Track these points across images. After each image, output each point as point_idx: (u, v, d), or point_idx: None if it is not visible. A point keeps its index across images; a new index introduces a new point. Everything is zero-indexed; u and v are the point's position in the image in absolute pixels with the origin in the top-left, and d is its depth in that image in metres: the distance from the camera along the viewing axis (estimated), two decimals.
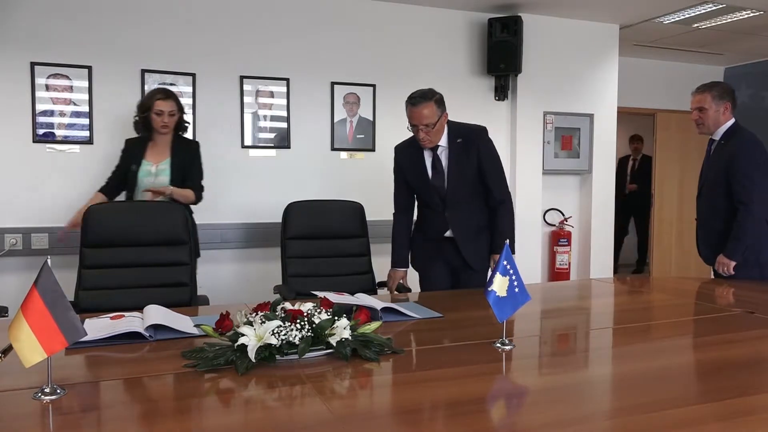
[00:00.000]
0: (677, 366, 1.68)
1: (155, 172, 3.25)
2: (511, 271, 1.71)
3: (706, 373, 1.64)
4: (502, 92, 4.83)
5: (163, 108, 3.20)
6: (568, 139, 5.11)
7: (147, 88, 3.91)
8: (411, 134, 2.84)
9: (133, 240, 2.76)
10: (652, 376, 1.56)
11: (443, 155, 2.86)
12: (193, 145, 3.42)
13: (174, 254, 2.80)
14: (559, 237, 5.15)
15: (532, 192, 4.96)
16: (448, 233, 2.91)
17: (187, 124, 3.42)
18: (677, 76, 6.58)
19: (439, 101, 2.77)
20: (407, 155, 2.94)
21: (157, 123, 3.21)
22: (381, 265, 3.22)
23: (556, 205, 5.20)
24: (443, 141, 2.84)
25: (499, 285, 1.69)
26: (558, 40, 4.95)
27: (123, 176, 3.27)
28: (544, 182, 5.02)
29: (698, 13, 4.80)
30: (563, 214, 5.22)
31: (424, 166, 2.88)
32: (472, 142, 2.85)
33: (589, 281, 4.36)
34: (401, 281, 3.04)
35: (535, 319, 2.29)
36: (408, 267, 3.05)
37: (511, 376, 1.63)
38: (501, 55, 4.66)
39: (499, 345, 1.75)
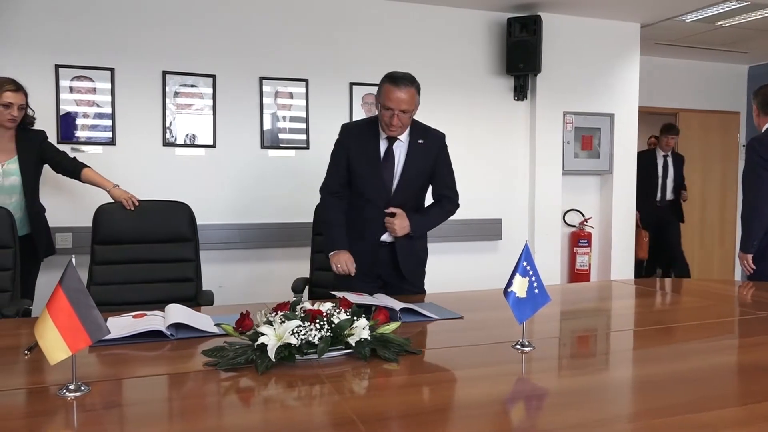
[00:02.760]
0: (700, 369, 1.65)
1: (2, 172, 3.02)
2: (531, 272, 1.70)
3: (729, 376, 1.61)
4: (521, 92, 4.80)
5: (12, 100, 2.95)
6: (588, 139, 5.06)
7: (168, 90, 3.96)
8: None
9: (141, 237, 2.89)
10: (674, 379, 1.54)
11: (399, 150, 2.62)
12: (40, 134, 3.17)
13: (180, 251, 2.93)
14: (579, 238, 5.11)
15: (551, 193, 4.92)
16: (385, 236, 2.64)
17: (34, 119, 3.15)
18: (700, 75, 6.49)
19: (419, 90, 2.53)
20: (358, 137, 2.65)
21: (4, 116, 2.95)
22: None
23: (576, 205, 5.16)
24: (403, 136, 2.61)
25: (519, 286, 1.68)
26: (578, 40, 4.91)
27: None
28: (563, 183, 4.98)
29: (722, 10, 4.73)
30: (583, 215, 5.17)
31: (378, 154, 2.61)
32: (432, 147, 2.67)
33: (610, 283, 4.32)
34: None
35: (554, 320, 2.27)
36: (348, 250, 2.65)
37: (530, 377, 1.61)
38: (520, 55, 4.63)
39: (518, 346, 1.74)
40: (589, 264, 5.13)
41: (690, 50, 6.00)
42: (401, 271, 2.66)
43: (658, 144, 5.94)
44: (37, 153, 3.13)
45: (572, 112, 4.96)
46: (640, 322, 2.36)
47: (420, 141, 2.65)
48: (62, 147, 3.72)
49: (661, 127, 5.87)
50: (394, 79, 2.49)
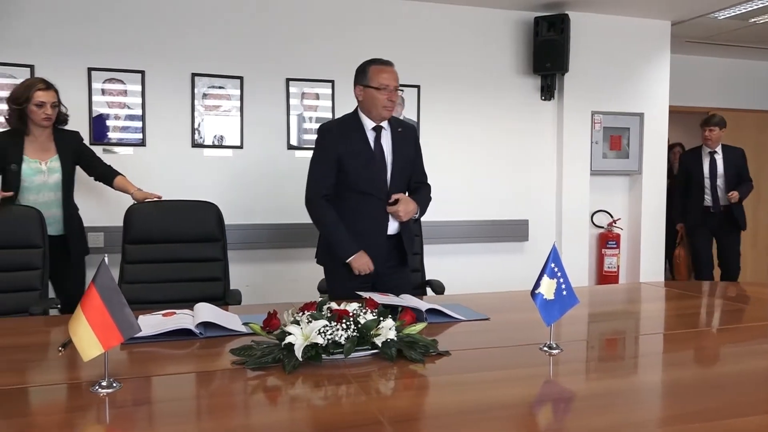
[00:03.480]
0: (732, 374, 1.62)
1: (46, 170, 3.08)
2: (559, 274, 1.69)
3: (763, 382, 1.58)
4: (548, 92, 4.76)
5: (44, 99, 2.99)
6: (617, 139, 4.99)
7: (197, 92, 4.02)
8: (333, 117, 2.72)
9: (171, 237, 2.94)
10: (706, 384, 1.51)
11: (386, 140, 2.67)
12: (76, 135, 3.23)
13: (208, 250, 2.97)
14: (607, 239, 5.04)
15: (579, 193, 4.87)
16: (392, 230, 2.67)
17: (67, 117, 3.19)
18: (732, 74, 6.35)
19: None
20: (343, 135, 2.63)
21: (38, 115, 2.99)
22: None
23: (604, 206, 5.09)
24: (385, 124, 2.68)
25: (547, 288, 1.67)
26: (607, 38, 4.84)
27: None
28: (591, 183, 4.92)
29: (755, 7, 4.63)
30: (612, 216, 5.10)
31: (368, 146, 2.63)
32: (409, 136, 2.76)
33: (639, 285, 4.25)
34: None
35: (582, 322, 2.25)
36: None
37: (558, 380, 1.60)
38: (547, 54, 4.59)
39: (546, 349, 1.72)
40: (618, 266, 5.05)
41: (722, 48, 5.88)
42: (405, 259, 2.72)
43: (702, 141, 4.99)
44: (74, 153, 3.19)
45: (601, 111, 4.90)
46: (670, 326, 2.32)
47: (399, 130, 2.73)
48: (94, 148, 3.80)
49: (701, 121, 4.98)
50: (379, 60, 2.66)
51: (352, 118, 2.70)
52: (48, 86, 3.04)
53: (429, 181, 2.89)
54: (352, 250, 2.60)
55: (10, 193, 2.92)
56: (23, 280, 2.67)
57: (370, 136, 2.66)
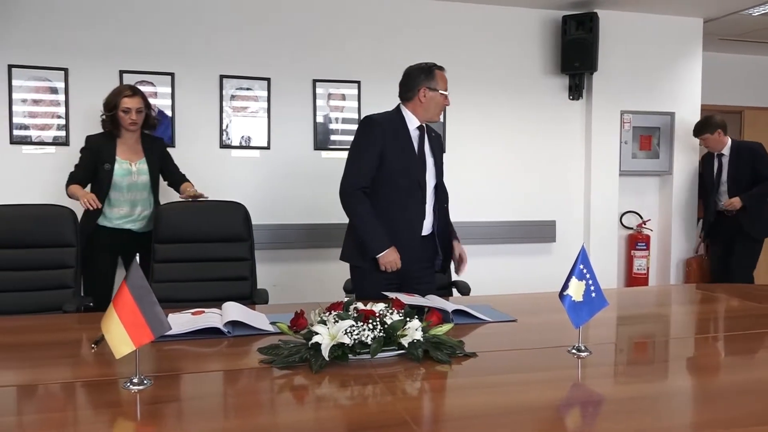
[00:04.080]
0: (766, 380, 1.58)
1: (136, 171, 3.24)
2: (588, 276, 1.67)
3: None
4: (576, 91, 4.70)
5: (130, 105, 3.15)
6: (646, 139, 4.91)
7: (225, 93, 4.07)
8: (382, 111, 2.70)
9: (199, 236, 2.98)
10: (739, 389, 1.48)
11: (426, 139, 2.69)
12: (161, 142, 3.44)
13: (236, 250, 3.00)
14: (636, 241, 4.96)
15: (608, 194, 4.80)
16: (426, 230, 2.67)
17: (156, 121, 3.39)
18: (766, 71, 6.20)
19: None
20: (392, 129, 2.60)
21: (125, 120, 3.16)
22: None
23: (633, 207, 5.01)
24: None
25: (575, 289, 1.65)
26: (637, 36, 4.77)
27: (91, 174, 3.19)
28: (620, 184, 4.85)
29: None
30: (641, 217, 5.02)
31: (412, 146, 2.62)
32: (437, 141, 2.79)
33: (669, 287, 4.18)
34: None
35: (610, 325, 2.22)
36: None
37: (586, 383, 1.58)
38: (576, 53, 4.54)
39: (574, 351, 1.71)
40: (647, 268, 4.97)
41: (756, 45, 5.74)
42: (440, 261, 2.74)
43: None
44: (159, 158, 3.36)
45: (630, 111, 4.82)
46: (702, 329, 2.27)
47: (433, 134, 2.76)
48: None
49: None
50: (441, 66, 2.69)
51: (397, 116, 2.67)
52: (134, 93, 3.20)
53: (455, 181, 2.90)
54: (384, 245, 2.54)
55: (99, 206, 3.05)
56: (57, 278, 2.74)
57: (414, 135, 2.64)
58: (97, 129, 3.27)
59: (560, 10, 4.63)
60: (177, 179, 3.41)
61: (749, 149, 4.59)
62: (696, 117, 4.95)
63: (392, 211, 2.59)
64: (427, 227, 2.68)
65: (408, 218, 2.62)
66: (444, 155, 2.84)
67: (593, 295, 1.66)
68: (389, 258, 2.55)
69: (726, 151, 4.62)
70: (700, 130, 4.64)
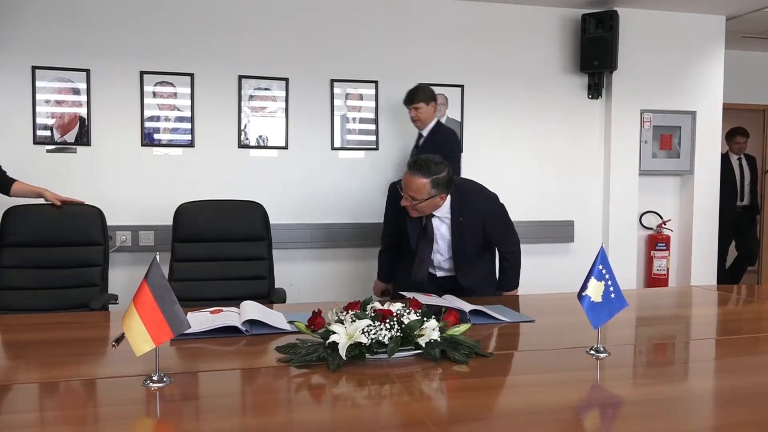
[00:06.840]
0: None
1: None
2: (607, 276, 1.65)
3: None
4: (595, 90, 4.66)
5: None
6: (667, 138, 4.85)
7: (243, 94, 4.10)
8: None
9: (218, 236, 3.01)
10: (759, 392, 1.46)
11: (438, 224, 2.63)
12: None
13: (254, 249, 3.03)
14: (656, 241, 4.90)
15: (627, 194, 4.75)
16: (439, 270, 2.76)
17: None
18: None
19: (438, 182, 2.46)
20: (401, 206, 2.58)
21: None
22: None
23: (653, 207, 4.95)
24: (441, 212, 2.59)
25: (594, 290, 1.63)
26: (657, 34, 4.71)
27: None
28: (640, 183, 4.79)
29: None
30: (661, 217, 4.96)
31: (419, 226, 2.65)
32: (474, 219, 2.62)
33: (690, 288, 4.13)
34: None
35: (630, 326, 2.20)
36: (389, 283, 2.91)
37: (605, 385, 1.57)
38: (595, 52, 4.50)
39: (592, 352, 1.69)
40: (667, 268, 4.91)
41: None
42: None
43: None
44: None
45: (650, 110, 4.77)
46: (723, 331, 2.24)
47: (460, 219, 2.65)
48: (145, 150, 3.92)
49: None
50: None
51: None
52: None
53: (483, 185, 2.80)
54: (378, 276, 2.95)
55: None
56: (85, 276, 2.78)
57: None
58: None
59: (580, 9, 4.59)
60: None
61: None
62: (718, 116, 4.89)
63: (406, 260, 2.75)
64: (440, 273, 2.74)
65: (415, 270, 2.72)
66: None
67: (612, 296, 1.65)
68: (376, 287, 2.96)
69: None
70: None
